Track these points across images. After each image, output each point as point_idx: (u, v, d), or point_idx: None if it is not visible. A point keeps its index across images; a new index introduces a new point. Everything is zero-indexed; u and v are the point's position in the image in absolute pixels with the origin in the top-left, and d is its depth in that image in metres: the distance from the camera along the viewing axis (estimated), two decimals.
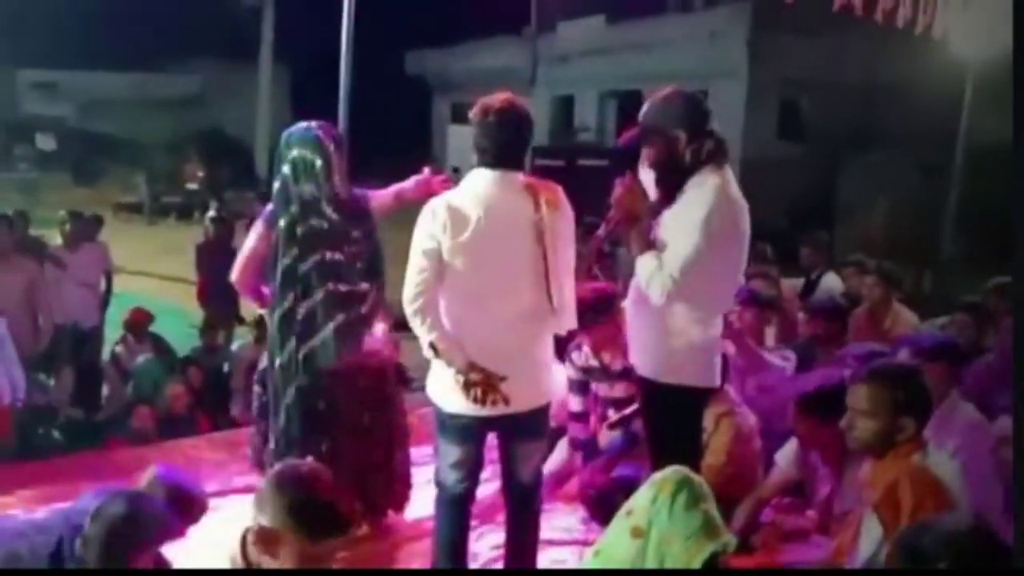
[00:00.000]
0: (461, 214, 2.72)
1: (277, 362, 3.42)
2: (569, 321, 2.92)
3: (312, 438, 3.41)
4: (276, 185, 3.40)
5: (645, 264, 2.81)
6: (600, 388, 4.03)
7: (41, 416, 5.83)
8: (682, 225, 2.77)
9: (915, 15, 5.68)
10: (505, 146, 2.78)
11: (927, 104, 11.54)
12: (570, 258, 2.88)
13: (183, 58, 23.33)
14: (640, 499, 2.55)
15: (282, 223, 3.36)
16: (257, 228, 3.51)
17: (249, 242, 3.56)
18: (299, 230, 3.31)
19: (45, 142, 21.68)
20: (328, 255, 3.32)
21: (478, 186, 2.79)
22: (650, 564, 2.39)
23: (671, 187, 2.86)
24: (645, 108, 2.90)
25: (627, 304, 3.10)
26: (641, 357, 3.02)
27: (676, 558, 2.37)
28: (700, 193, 2.79)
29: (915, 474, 2.50)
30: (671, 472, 2.57)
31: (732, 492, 3.31)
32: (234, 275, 3.59)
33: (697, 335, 2.88)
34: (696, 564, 2.32)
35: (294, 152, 3.33)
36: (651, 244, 2.84)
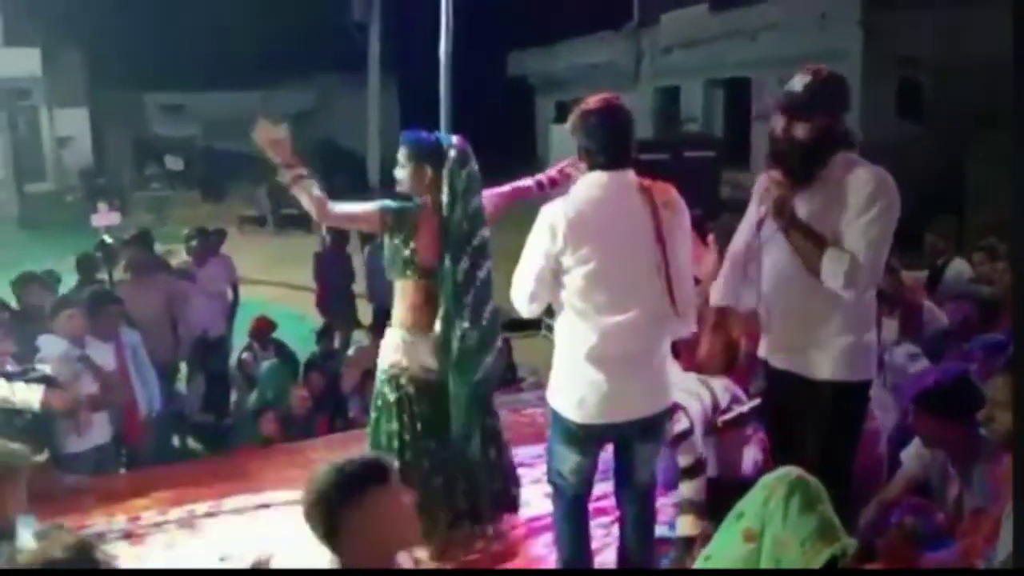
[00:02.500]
0: (580, 225, 2.70)
1: (465, 385, 3.35)
2: (690, 323, 2.88)
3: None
4: (456, 197, 3.28)
5: (836, 260, 2.70)
6: None
7: (175, 423, 6.17)
8: (860, 215, 2.69)
9: None
10: (612, 145, 2.77)
11: None
12: (689, 259, 2.84)
13: (298, 75, 24.24)
14: (752, 501, 2.47)
15: (454, 234, 3.29)
16: (369, 207, 3.46)
17: (357, 208, 3.50)
18: (475, 240, 3.29)
19: (174, 162, 22.94)
20: (488, 265, 3.33)
21: (593, 192, 2.76)
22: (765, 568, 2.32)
23: (813, 166, 2.78)
24: (806, 82, 2.77)
25: (781, 301, 2.94)
26: (808, 356, 2.89)
27: (792, 562, 2.29)
28: (866, 178, 2.71)
29: None
30: (783, 473, 2.48)
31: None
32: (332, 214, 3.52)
33: (868, 328, 2.89)
34: (815, 566, 2.24)
35: (472, 166, 3.33)
36: (824, 238, 2.73)
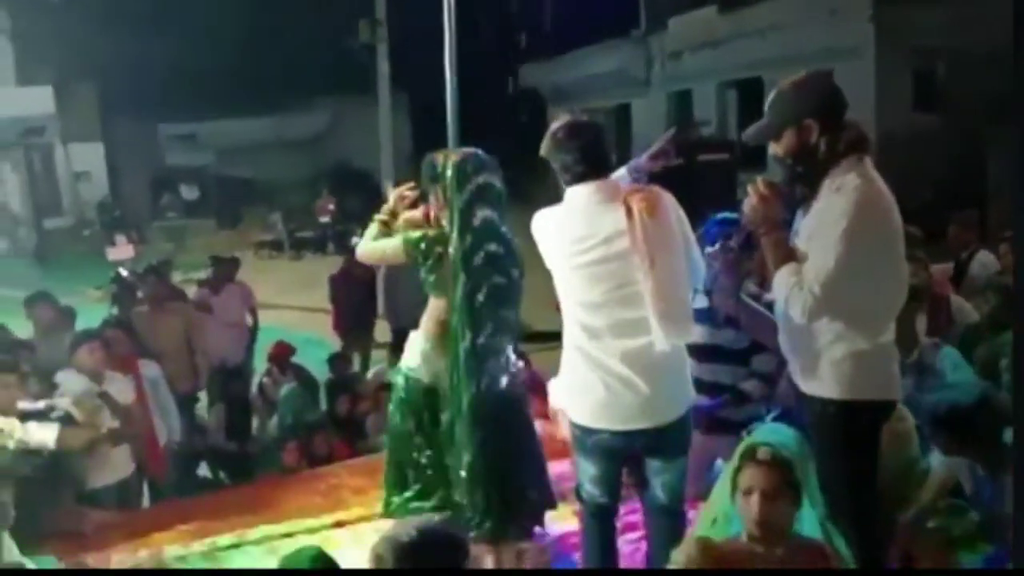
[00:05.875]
0: (546, 237, 2.81)
1: (465, 399, 3.27)
2: (677, 332, 2.70)
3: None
4: (455, 215, 3.21)
5: (784, 280, 2.61)
6: (704, 333, 3.65)
7: (199, 453, 6.15)
8: (822, 236, 2.55)
9: None
10: (585, 155, 2.78)
11: None
12: (680, 264, 2.73)
13: (308, 99, 24.37)
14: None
15: (455, 254, 3.22)
16: (394, 242, 3.42)
17: (386, 245, 3.46)
18: (476, 259, 3.21)
19: (189, 191, 23.14)
20: (497, 279, 3.25)
21: (572, 203, 2.80)
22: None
23: (807, 184, 2.65)
24: (772, 96, 2.71)
25: (780, 320, 2.84)
26: (805, 374, 2.75)
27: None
28: (840, 198, 2.56)
29: None
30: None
31: (888, 499, 3.06)
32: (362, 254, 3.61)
33: (864, 346, 2.63)
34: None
35: (480, 178, 3.24)
36: (791, 255, 2.63)
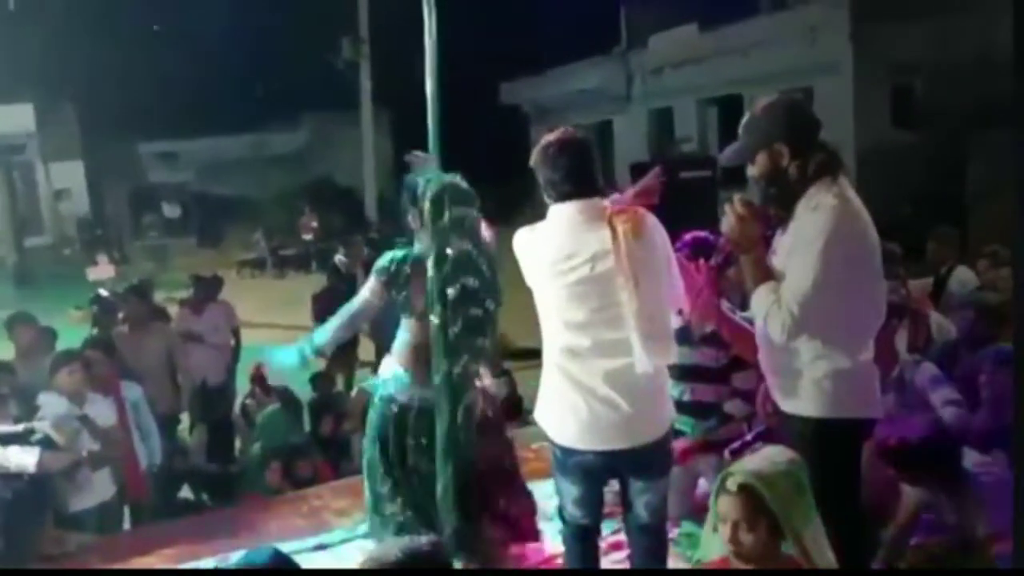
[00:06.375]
0: (529, 256, 2.79)
1: (440, 429, 3.32)
2: (660, 353, 2.70)
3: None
4: (432, 243, 3.25)
5: (762, 299, 2.63)
6: (682, 352, 3.67)
7: (181, 475, 6.09)
8: (799, 255, 2.58)
9: None
10: (573, 174, 2.75)
11: None
12: (663, 285, 2.74)
13: (291, 116, 24.41)
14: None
15: (430, 283, 3.27)
16: (371, 285, 3.47)
17: (362, 298, 3.52)
18: (451, 291, 3.23)
19: (170, 210, 23.10)
20: (473, 311, 3.28)
21: (556, 221, 2.78)
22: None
23: (782, 205, 2.69)
24: (745, 120, 2.75)
25: (759, 338, 2.86)
26: (785, 393, 2.78)
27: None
28: (816, 217, 2.58)
29: None
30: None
31: (869, 516, 3.07)
32: (339, 330, 3.59)
33: (844, 364, 2.64)
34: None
35: (458, 210, 3.25)
36: (769, 274, 2.66)
